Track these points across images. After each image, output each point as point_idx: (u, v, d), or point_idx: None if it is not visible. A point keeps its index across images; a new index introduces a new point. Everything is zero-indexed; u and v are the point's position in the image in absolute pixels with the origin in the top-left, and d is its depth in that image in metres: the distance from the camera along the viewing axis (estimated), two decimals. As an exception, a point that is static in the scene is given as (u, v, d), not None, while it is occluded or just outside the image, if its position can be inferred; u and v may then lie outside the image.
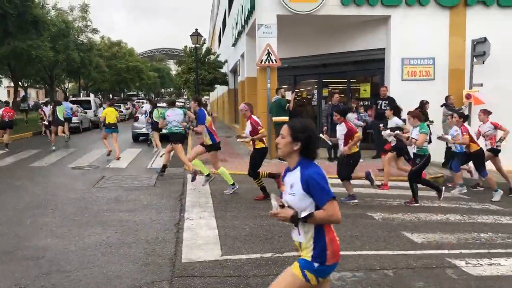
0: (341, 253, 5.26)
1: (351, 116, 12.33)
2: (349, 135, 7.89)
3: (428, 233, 6.29)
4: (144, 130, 18.05)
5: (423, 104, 11.89)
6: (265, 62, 12.70)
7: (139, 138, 18.86)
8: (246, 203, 7.93)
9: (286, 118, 12.30)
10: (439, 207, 8.09)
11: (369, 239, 5.96)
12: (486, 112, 9.80)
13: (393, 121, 9.37)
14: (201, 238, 5.92)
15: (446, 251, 5.53)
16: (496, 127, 9.58)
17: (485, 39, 12.46)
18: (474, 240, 6.06)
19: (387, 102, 12.59)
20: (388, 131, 9.08)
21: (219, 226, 6.42)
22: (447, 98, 12.61)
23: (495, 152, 9.67)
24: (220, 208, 7.54)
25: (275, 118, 12.45)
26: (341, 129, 8.03)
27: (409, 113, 8.26)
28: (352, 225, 6.65)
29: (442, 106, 12.45)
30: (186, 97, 77.55)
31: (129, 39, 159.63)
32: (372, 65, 14.38)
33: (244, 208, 7.56)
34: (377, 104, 12.91)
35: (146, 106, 18.76)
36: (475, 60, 12.87)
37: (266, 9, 12.77)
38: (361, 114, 13.24)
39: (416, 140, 7.88)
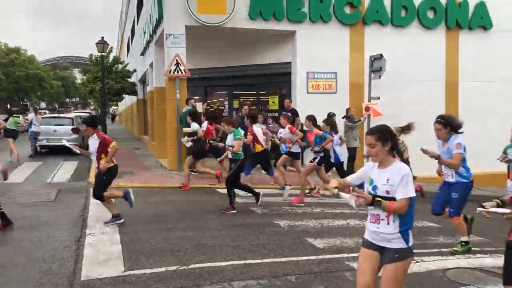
0: (246, 261, 5.37)
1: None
2: (102, 147, 6.96)
3: (330, 239, 6.58)
4: (44, 142, 16.97)
5: (331, 116, 12.52)
6: (174, 72, 12.58)
7: (40, 151, 17.65)
8: (152, 217, 7.73)
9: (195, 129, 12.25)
10: (341, 213, 8.50)
11: (275, 247, 6.09)
12: (286, 117, 10.10)
13: (193, 126, 10.23)
14: (103, 254, 5.65)
15: (345, 255, 5.81)
16: (291, 131, 9.87)
17: (381, 55, 13.43)
18: (371, 243, 6.44)
19: (290, 114, 13.07)
20: (186, 138, 9.77)
21: (123, 241, 6.18)
22: (347, 110, 13.36)
23: (291, 155, 10.02)
24: (125, 222, 7.26)
25: (185, 129, 12.33)
26: (93, 142, 7.00)
27: (225, 120, 8.50)
28: (259, 233, 6.76)
29: (343, 118, 13.16)
30: (92, 107, 74.23)
31: (32, 46, 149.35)
32: (280, 78, 14.83)
33: (150, 222, 7.36)
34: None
35: (31, 116, 17.58)
36: (372, 75, 13.81)
37: (174, 19, 12.68)
38: (270, 126, 13.59)
39: (233, 147, 8.02)
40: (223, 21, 12.75)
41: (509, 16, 15.00)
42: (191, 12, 12.52)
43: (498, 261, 5.84)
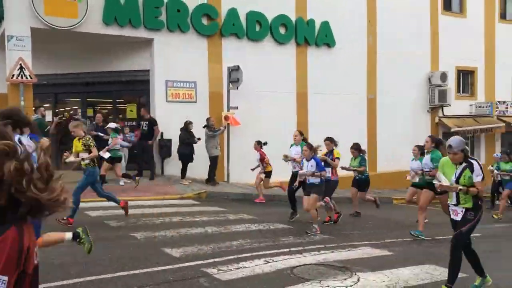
0: (98, 277, 5.11)
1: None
2: None
3: (186, 247, 6.60)
4: None
5: (187, 125, 12.61)
6: (17, 78, 11.47)
7: None
8: None
9: (46, 140, 11.33)
10: (200, 221, 8.59)
11: (129, 259, 5.90)
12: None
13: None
14: None
15: (201, 262, 5.88)
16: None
17: (238, 67, 13.98)
18: (226, 248, 6.63)
19: (146, 123, 12.95)
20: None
21: None
22: (208, 119, 13.60)
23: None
24: None
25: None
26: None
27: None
28: (114, 247, 6.49)
29: (204, 127, 13.36)
30: None
31: None
32: (138, 86, 14.49)
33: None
34: (141, 125, 13.15)
35: None
36: (230, 85, 14.28)
37: (17, 19, 11.59)
38: (127, 135, 13.20)
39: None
40: (74, 25, 12.05)
41: (348, 36, 16.79)
42: (37, 13, 11.59)
43: (338, 255, 6.49)
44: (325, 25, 16.35)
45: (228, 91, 14.31)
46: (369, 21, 17.39)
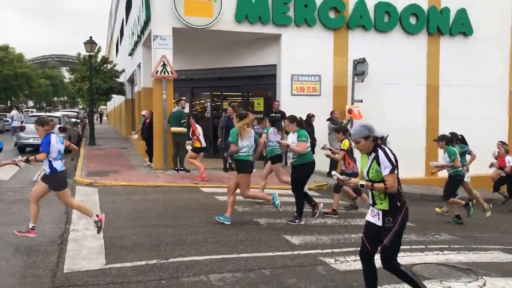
0: (224, 256, 5.62)
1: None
2: None
3: (306, 236, 6.85)
4: (31, 141, 17.04)
5: (309, 117, 12.83)
6: (160, 73, 12.77)
7: (25, 149, 17.71)
8: (135, 214, 7.93)
9: (183, 130, 12.53)
10: (320, 213, 8.77)
11: (252, 242, 6.34)
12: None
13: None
14: (86, 248, 5.86)
15: (319, 251, 6.08)
16: None
17: (364, 59, 13.78)
18: (345, 240, 6.73)
19: (279, 115, 13.36)
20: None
21: (105, 237, 6.38)
22: (332, 113, 13.67)
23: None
24: (108, 218, 7.43)
25: (173, 129, 12.55)
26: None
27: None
28: (238, 230, 7.00)
29: (327, 120, 13.46)
30: (81, 107, 73.89)
31: (20, 44, 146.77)
32: (265, 80, 15.10)
33: (132, 219, 7.57)
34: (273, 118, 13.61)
35: (13, 112, 18.55)
36: (355, 78, 14.14)
37: (161, 21, 12.88)
38: (255, 127, 13.85)
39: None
40: (209, 23, 12.99)
41: (489, 23, 15.44)
42: (178, 14, 12.74)
43: (463, 257, 6.18)
44: (462, 12, 15.27)
45: (353, 84, 14.19)
46: (514, 6, 15.76)
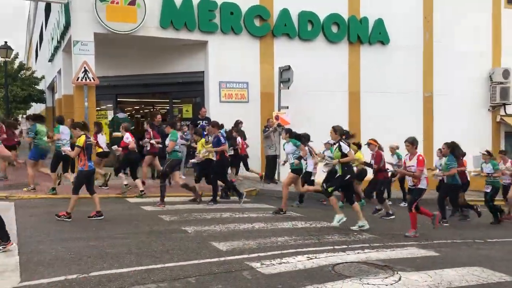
0: (149, 267, 5.49)
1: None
2: None
3: (233, 241, 6.87)
4: None
5: (237, 123, 12.95)
6: (82, 80, 12.30)
7: None
8: (55, 227, 7.54)
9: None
10: (248, 217, 8.87)
11: (179, 251, 6.25)
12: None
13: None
14: (-2, 266, 5.47)
15: (246, 256, 6.12)
16: None
17: (289, 67, 14.14)
18: (271, 244, 6.84)
19: (206, 122, 13.38)
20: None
21: (21, 252, 6.00)
22: (268, 120, 13.91)
23: None
24: (26, 234, 7.03)
25: (116, 134, 12.27)
26: None
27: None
28: (165, 239, 6.88)
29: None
30: (-3, 116, 69.02)
31: None
32: (193, 87, 15.04)
33: (52, 232, 7.19)
34: (197, 124, 13.57)
35: None
36: (282, 85, 14.47)
37: (82, 26, 12.44)
38: (185, 133, 13.72)
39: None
40: (133, 29, 12.73)
41: (404, 33, 16.45)
42: (100, 19, 12.36)
43: (382, 254, 6.50)
44: (379, 22, 16.13)
45: (279, 91, 14.50)
46: (425, 18, 16.95)
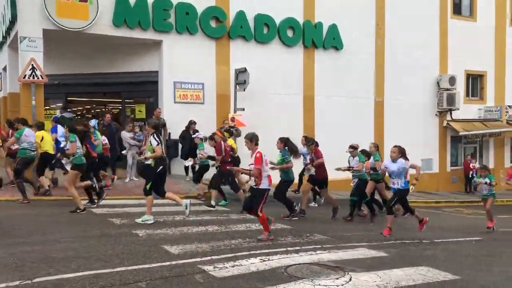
0: (97, 271, 5.31)
1: (126, 135, 12.55)
2: None
3: (186, 244, 6.77)
4: None
5: (190, 124, 12.86)
6: (29, 78, 11.77)
7: None
8: (-2, 231, 7.17)
9: None
10: (202, 220, 8.79)
11: (129, 255, 6.09)
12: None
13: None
14: None
15: (199, 259, 6.04)
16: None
17: (245, 69, 14.16)
18: (225, 247, 6.79)
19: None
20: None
21: (-41, 259, 5.66)
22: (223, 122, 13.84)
23: None
24: (-36, 239, 6.64)
25: None
26: None
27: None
28: (115, 243, 6.69)
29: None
30: None
31: None
32: (147, 87, 14.75)
33: (-6, 237, 6.83)
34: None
35: None
36: (237, 87, 14.46)
37: (29, 21, 11.91)
38: (137, 134, 13.43)
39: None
40: (84, 26, 12.34)
41: (357, 39, 16.86)
42: (49, 15, 11.90)
43: (333, 255, 6.61)
44: (333, 28, 16.44)
45: (235, 93, 14.48)
46: (377, 25, 17.46)
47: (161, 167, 8.23)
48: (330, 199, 10.62)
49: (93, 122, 11.08)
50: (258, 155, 7.32)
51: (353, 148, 10.55)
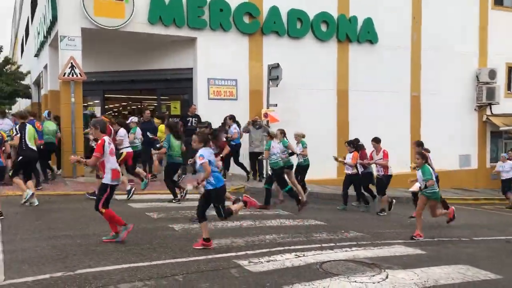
0: (136, 265, 5.44)
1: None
2: None
3: (221, 239, 6.84)
4: None
5: (226, 120, 12.95)
6: (68, 75, 12.13)
7: None
8: (40, 225, 7.44)
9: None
10: (237, 215, 8.82)
11: (166, 249, 6.21)
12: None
13: None
14: (-19, 264, 5.38)
15: (234, 254, 6.10)
16: None
17: (278, 64, 14.11)
18: (259, 242, 6.83)
19: (196, 119, 13.32)
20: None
21: (5, 251, 5.90)
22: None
23: None
24: (10, 231, 6.93)
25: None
26: None
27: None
28: (152, 237, 6.83)
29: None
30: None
31: None
32: (181, 84, 14.94)
33: (37, 230, 7.09)
34: (187, 121, 13.47)
35: None
36: (270, 83, 14.45)
37: (69, 20, 12.26)
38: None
39: None
40: (121, 24, 12.59)
41: (392, 33, 16.53)
42: (87, 14, 12.20)
43: (369, 252, 6.53)
44: (368, 21, 16.17)
45: (268, 89, 14.47)
46: (414, 18, 17.05)
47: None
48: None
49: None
50: (100, 142, 6.35)
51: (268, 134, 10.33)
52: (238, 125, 13.15)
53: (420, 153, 8.17)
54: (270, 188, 10.04)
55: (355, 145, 11.02)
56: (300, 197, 9.95)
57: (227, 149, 10.11)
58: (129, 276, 5.04)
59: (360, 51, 16.21)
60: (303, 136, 11.35)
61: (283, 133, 10.58)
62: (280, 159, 9.86)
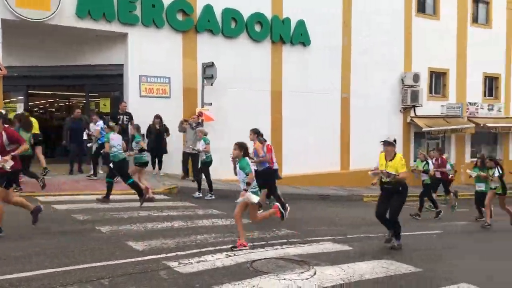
0: (59, 269, 5.17)
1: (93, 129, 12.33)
2: None
3: (151, 240, 6.68)
4: None
5: (155, 119, 12.75)
6: (-13, 69, 11.33)
7: None
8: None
9: None
10: (167, 216, 8.68)
11: (92, 252, 5.96)
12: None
13: None
14: None
15: (164, 255, 5.97)
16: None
17: (213, 63, 14.04)
18: (190, 242, 6.75)
19: (127, 116, 12.96)
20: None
21: None
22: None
23: None
24: None
25: None
26: None
27: None
28: (77, 240, 6.54)
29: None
30: None
31: None
32: (112, 80, 14.41)
33: None
34: (118, 119, 13.03)
35: None
36: (205, 81, 14.33)
37: (-13, 10, 11.44)
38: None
39: None
40: (46, 17, 11.95)
41: (324, 35, 16.98)
42: (8, 4, 11.45)
43: (299, 250, 6.66)
44: (301, 24, 16.49)
45: (203, 87, 14.36)
46: (344, 22, 17.63)
47: None
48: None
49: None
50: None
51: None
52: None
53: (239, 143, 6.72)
54: (112, 181, 9.65)
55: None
56: (143, 191, 9.51)
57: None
58: (50, 282, 4.78)
59: (293, 52, 16.50)
60: (206, 134, 11.47)
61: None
62: (121, 151, 9.51)
